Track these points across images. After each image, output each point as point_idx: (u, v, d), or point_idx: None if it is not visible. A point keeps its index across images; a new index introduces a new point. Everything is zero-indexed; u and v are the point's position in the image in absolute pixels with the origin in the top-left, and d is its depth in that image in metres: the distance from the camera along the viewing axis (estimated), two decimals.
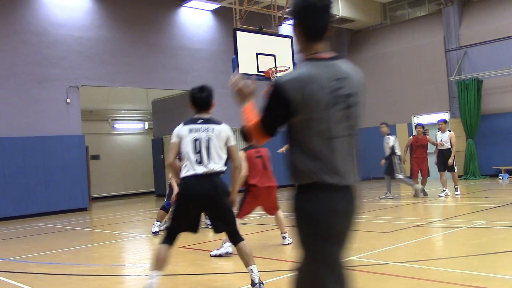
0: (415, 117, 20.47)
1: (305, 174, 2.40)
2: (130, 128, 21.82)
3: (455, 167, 13.16)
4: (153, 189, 20.59)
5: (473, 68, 18.65)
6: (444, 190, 12.68)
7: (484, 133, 18.32)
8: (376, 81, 21.56)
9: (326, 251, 2.43)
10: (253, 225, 9.60)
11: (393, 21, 21.97)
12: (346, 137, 2.43)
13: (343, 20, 20.79)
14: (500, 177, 17.31)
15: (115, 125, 21.29)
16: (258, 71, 13.24)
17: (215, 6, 17.87)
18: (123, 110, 21.44)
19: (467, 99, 18.26)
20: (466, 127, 18.36)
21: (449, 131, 13.10)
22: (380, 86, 21.37)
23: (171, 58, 17.09)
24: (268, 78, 13.44)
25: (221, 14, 18.15)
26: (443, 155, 12.84)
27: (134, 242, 8.83)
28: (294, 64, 14.18)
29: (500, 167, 17.80)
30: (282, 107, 2.38)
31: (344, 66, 2.51)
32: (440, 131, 13.09)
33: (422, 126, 13.50)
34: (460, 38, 19.18)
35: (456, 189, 12.88)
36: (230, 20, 14.74)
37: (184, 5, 17.64)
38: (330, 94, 2.37)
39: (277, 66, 13.52)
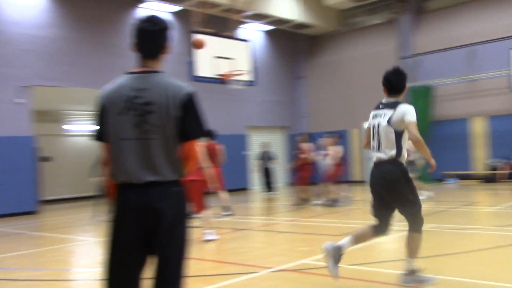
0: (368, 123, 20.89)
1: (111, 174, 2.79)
2: (84, 129, 21.37)
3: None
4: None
5: (424, 76, 19.23)
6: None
7: (434, 138, 18.89)
8: (332, 87, 21.95)
9: (114, 248, 2.75)
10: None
11: (350, 28, 22.39)
12: (138, 140, 2.70)
13: (301, 25, 21.04)
14: (448, 182, 17.89)
15: (69, 127, 20.81)
16: (216, 75, 13.23)
17: (173, 8, 17.75)
18: (77, 111, 20.97)
19: (419, 105, 18.78)
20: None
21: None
22: (336, 91, 21.76)
23: (128, 60, 16.77)
24: (226, 82, 13.45)
25: (179, 16, 18.04)
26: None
27: (84, 246, 8.66)
28: (252, 67, 14.24)
29: (448, 172, 18.41)
30: (98, 115, 2.83)
31: (156, 78, 2.78)
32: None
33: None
34: (413, 46, 19.75)
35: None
36: (188, 23, 14.69)
37: (141, 6, 17.45)
38: (126, 102, 2.73)
39: (235, 69, 13.55)
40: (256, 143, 20.13)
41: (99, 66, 16.18)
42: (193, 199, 7.62)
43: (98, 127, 2.84)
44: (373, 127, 4.86)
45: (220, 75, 13.31)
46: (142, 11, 17.50)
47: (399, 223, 9.29)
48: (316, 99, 22.52)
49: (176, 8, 17.68)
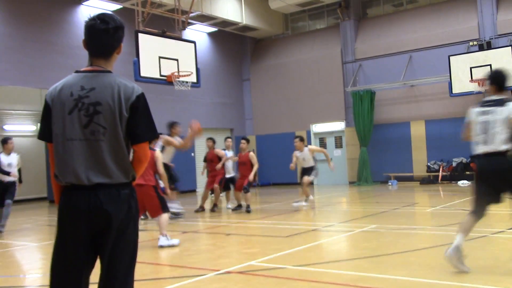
0: (313, 125, 21.23)
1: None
2: (22, 130, 20.53)
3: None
4: (45, 195, 19.48)
5: (367, 80, 19.73)
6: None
7: (376, 141, 19.42)
8: (277, 90, 22.13)
9: (58, 248, 2.71)
10: (152, 231, 9.41)
11: (294, 32, 22.68)
12: (86, 141, 2.64)
13: (246, 28, 21.11)
14: (390, 183, 18.42)
15: (5, 127, 19.94)
16: (161, 75, 13.03)
17: (116, 6, 17.37)
18: (14, 110, 20.13)
19: (361, 109, 19.27)
20: (360, 136, 19.35)
21: (306, 146, 12.39)
22: (281, 94, 21.96)
23: (69, 58, 16.33)
24: (171, 83, 13.27)
25: (123, 15, 17.67)
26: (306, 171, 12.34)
27: (24, 251, 8.29)
28: (197, 69, 14.12)
29: (390, 174, 18.95)
30: (44, 114, 2.75)
31: (104, 78, 2.72)
32: (297, 151, 12.38)
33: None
34: (355, 51, 20.22)
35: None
36: (132, 22, 14.37)
37: (83, 3, 16.96)
38: (74, 101, 2.66)
39: (180, 70, 13.40)
40: (202, 144, 20.00)
41: (38, 64, 15.60)
42: (147, 203, 7.52)
43: (43, 126, 2.76)
44: (483, 122, 5.15)
45: (165, 76, 13.13)
46: (84, 9, 17.03)
47: (341, 223, 9.47)
48: (261, 101, 22.64)
49: (119, 6, 17.32)
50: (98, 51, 2.79)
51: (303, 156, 12.27)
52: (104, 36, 2.75)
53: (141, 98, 2.70)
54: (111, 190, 2.64)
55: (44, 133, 2.76)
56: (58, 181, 2.70)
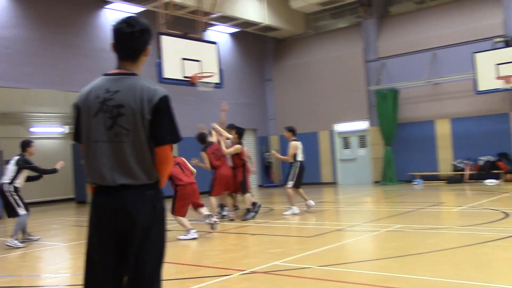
0: (336, 125, 21.12)
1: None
2: (48, 132, 20.90)
3: (290, 182, 11.40)
4: (72, 196, 19.78)
5: (390, 79, 19.54)
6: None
7: (400, 140, 19.22)
8: (299, 89, 22.07)
9: (89, 248, 2.76)
10: (178, 231, 9.48)
11: (316, 31, 22.59)
12: (110, 143, 2.68)
13: (268, 28, 21.11)
14: (415, 183, 18.21)
15: (32, 129, 20.31)
16: (184, 77, 13.13)
17: (139, 9, 17.55)
18: (41, 113, 20.50)
19: (385, 108, 19.09)
20: (384, 135, 19.18)
21: (294, 140, 11.39)
22: (303, 94, 21.89)
23: (93, 60, 16.57)
24: (194, 84, 13.35)
25: (146, 17, 17.61)
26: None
27: (52, 251, 8.44)
28: (219, 70, 14.18)
29: (415, 173, 18.74)
30: (74, 117, 2.85)
31: (129, 80, 2.76)
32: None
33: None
34: (378, 50, 20.05)
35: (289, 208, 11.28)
36: (154, 24, 14.53)
37: (106, 7, 17.18)
38: (99, 104, 2.72)
39: (202, 71, 13.47)
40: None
41: (63, 67, 15.85)
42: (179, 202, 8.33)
43: (74, 128, 2.86)
44: None
45: (188, 77, 13.22)
46: (108, 12, 17.25)
47: (366, 223, 9.40)
48: (283, 101, 22.61)
49: (142, 9, 17.49)
50: (125, 54, 2.84)
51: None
52: (130, 39, 2.80)
53: (164, 100, 2.71)
54: (135, 191, 2.67)
55: (76, 135, 2.85)
56: (89, 182, 2.77)
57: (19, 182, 9.03)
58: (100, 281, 2.70)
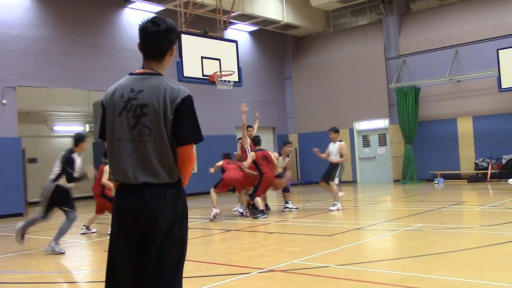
0: (356, 123, 20.99)
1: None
2: (70, 130, 21.18)
3: (336, 179, 11.42)
4: (92, 194, 20.00)
5: (411, 76, 19.35)
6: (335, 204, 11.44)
7: (421, 139, 19.02)
8: (318, 88, 21.99)
9: (111, 244, 2.81)
10: (196, 230, 9.54)
11: (336, 29, 22.47)
12: (133, 141, 2.72)
13: (288, 26, 21.07)
14: (436, 182, 18.01)
15: (54, 127, 20.61)
16: (203, 75, 13.17)
17: (159, 8, 17.67)
18: (63, 112, 20.79)
19: (406, 106, 18.91)
20: (405, 133, 19.01)
21: (340, 141, 11.68)
22: (323, 92, 21.80)
23: (114, 60, 16.75)
24: (213, 82, 13.39)
25: (166, 16, 17.92)
26: (329, 166, 11.63)
27: (74, 248, 8.55)
28: (239, 68, 14.19)
29: (436, 172, 18.53)
30: (101, 115, 2.90)
31: (153, 80, 2.78)
32: (332, 142, 11.74)
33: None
34: (399, 47, 19.86)
35: (334, 204, 11.43)
36: (175, 23, 14.61)
37: (127, 6, 17.34)
38: (123, 103, 2.76)
39: (222, 70, 13.50)
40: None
41: (85, 67, 16.05)
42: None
43: (100, 126, 2.92)
44: None
45: (208, 75, 13.26)
46: (129, 12, 17.40)
47: (386, 222, 9.33)
48: (303, 99, 22.55)
49: (162, 8, 17.61)
50: (150, 53, 2.86)
51: (332, 149, 11.60)
52: (156, 39, 2.82)
53: (187, 100, 2.73)
54: (157, 189, 2.70)
55: (101, 133, 2.91)
56: (113, 180, 2.83)
57: (64, 180, 7.82)
58: (122, 277, 2.74)
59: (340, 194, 11.79)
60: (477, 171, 17.77)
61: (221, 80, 13.43)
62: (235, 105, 20.54)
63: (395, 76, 19.63)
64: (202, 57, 13.18)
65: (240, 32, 20.92)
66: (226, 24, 14.99)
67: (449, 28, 18.77)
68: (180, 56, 12.75)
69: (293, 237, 8.41)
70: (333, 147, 11.58)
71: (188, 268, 6.02)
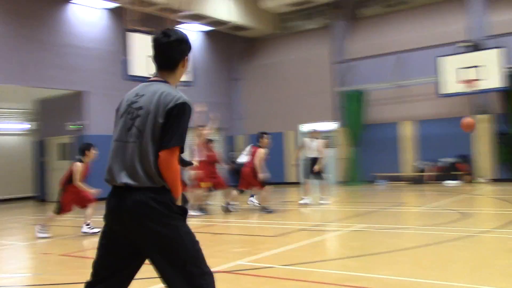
0: (303, 126, 21.28)
1: None
2: (11, 128, 20.39)
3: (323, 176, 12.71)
4: (31, 194, 19.32)
5: (357, 81, 19.82)
6: (303, 198, 12.60)
7: (366, 142, 19.51)
8: (268, 89, 22.16)
9: (100, 236, 2.90)
10: None
11: (286, 32, 22.71)
12: (125, 143, 2.76)
13: (238, 27, 21.12)
14: (378, 183, 18.53)
15: None
16: (150, 74, 13.02)
17: (106, 4, 17.30)
18: (3, 109, 19.98)
19: (351, 109, 19.36)
20: (350, 136, 19.45)
21: (319, 139, 12.94)
22: (272, 94, 21.99)
23: (58, 56, 16.26)
24: None
25: (113, 13, 17.62)
26: (312, 163, 12.60)
27: (10, 250, 8.25)
28: (190, 68, 14.11)
29: (379, 174, 19.06)
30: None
31: (155, 86, 2.84)
32: (308, 139, 12.91)
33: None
34: (346, 52, 20.31)
35: (322, 199, 12.62)
36: (123, 21, 14.35)
37: (72, 1, 16.86)
38: (126, 106, 2.85)
39: None
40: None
41: (27, 63, 15.48)
42: None
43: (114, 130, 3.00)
44: None
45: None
46: (74, 7, 16.94)
47: (330, 223, 9.52)
48: (252, 101, 22.65)
49: (111, 5, 17.25)
50: (162, 63, 2.92)
51: (311, 145, 12.76)
52: (168, 49, 2.88)
53: (179, 107, 2.71)
54: (138, 193, 2.69)
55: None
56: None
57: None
58: (99, 266, 2.87)
59: (307, 200, 12.52)
60: (416, 174, 18.41)
61: None
62: None
63: (341, 80, 20.05)
64: (149, 56, 13.02)
65: (190, 32, 20.79)
66: (176, 24, 14.89)
67: (393, 34, 19.37)
68: (127, 54, 12.56)
69: (239, 238, 8.45)
70: (312, 144, 12.67)
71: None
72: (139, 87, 2.92)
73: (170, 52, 2.88)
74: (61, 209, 8.86)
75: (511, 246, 6.47)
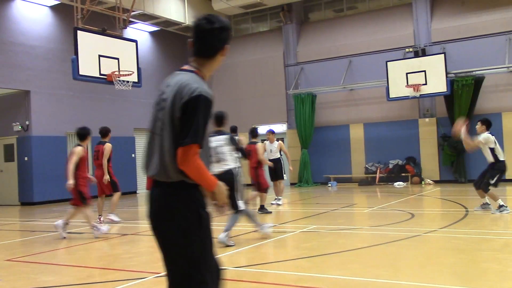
0: (256, 127, 21.31)
1: None
2: None
3: (284, 176, 13.19)
4: None
5: (308, 83, 20.06)
6: (278, 198, 12.92)
7: (317, 143, 19.77)
8: (220, 90, 22.08)
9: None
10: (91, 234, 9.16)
11: (238, 34, 22.74)
12: (156, 135, 2.72)
13: (189, 28, 20.93)
14: (330, 185, 18.80)
15: None
16: (100, 74, 12.74)
17: (54, 2, 16.80)
18: None
19: (303, 111, 19.57)
20: (301, 138, 19.65)
21: (277, 140, 13.22)
22: (224, 95, 21.93)
23: (2, 54, 15.65)
24: (111, 82, 12.99)
25: (61, 11, 17.13)
26: (274, 164, 12.70)
27: None
28: (138, 68, 13.89)
29: (330, 175, 19.35)
30: None
31: (180, 76, 2.76)
32: (268, 141, 13.11)
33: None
34: (297, 55, 20.52)
35: (278, 199, 12.86)
36: (70, 18, 13.95)
37: None
38: (158, 96, 2.80)
39: (120, 70, 13.14)
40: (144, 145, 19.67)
41: None
42: None
43: None
44: None
45: (105, 75, 12.84)
46: (20, 4, 16.37)
47: (282, 224, 9.57)
48: None
49: (57, 2, 16.76)
50: (199, 50, 2.82)
51: (271, 147, 12.95)
52: (209, 36, 2.78)
53: (195, 100, 2.60)
54: (161, 187, 2.69)
55: None
56: None
57: None
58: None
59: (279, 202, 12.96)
60: (367, 175, 18.80)
61: (119, 80, 13.06)
62: (134, 105, 20.06)
63: (293, 83, 20.24)
64: (99, 56, 12.76)
65: (141, 32, 20.49)
66: (126, 23, 14.63)
67: (343, 38, 19.72)
68: (76, 53, 12.24)
69: None
70: (272, 146, 12.95)
71: (80, 275, 5.78)
72: (170, 76, 2.83)
73: (211, 39, 2.79)
74: (86, 198, 8.61)
75: (456, 244, 6.69)
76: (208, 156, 2.76)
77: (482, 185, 9.29)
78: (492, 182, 9.15)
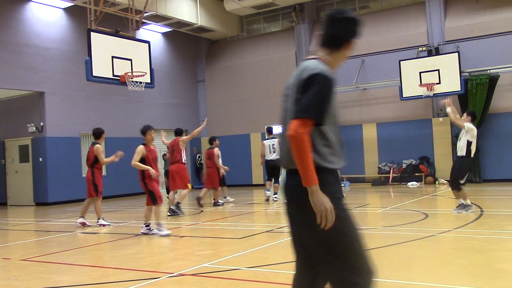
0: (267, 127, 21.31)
1: None
2: None
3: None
4: None
5: None
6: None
7: None
8: (231, 91, 22.15)
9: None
10: (105, 235, 9.23)
11: (250, 34, 22.76)
12: (285, 125, 2.70)
13: (201, 29, 21.03)
14: (342, 185, 18.70)
15: None
16: (114, 75, 12.82)
17: (67, 4, 16.95)
18: None
19: None
20: None
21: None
22: (236, 96, 21.99)
23: (17, 56, 15.83)
24: (124, 83, 13.07)
25: (75, 13, 17.28)
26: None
27: None
28: (151, 69, 13.95)
29: (343, 175, 19.26)
30: None
31: (303, 63, 2.74)
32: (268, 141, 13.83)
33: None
34: (309, 55, 20.44)
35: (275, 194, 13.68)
36: (84, 20, 14.06)
37: (32, 0, 16.46)
38: (285, 88, 2.81)
39: (133, 70, 13.21)
40: (157, 146, 19.73)
41: None
42: None
43: None
44: None
45: (118, 76, 12.92)
46: (34, 6, 16.54)
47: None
48: (216, 103, 22.59)
49: (71, 4, 16.91)
50: (327, 40, 2.78)
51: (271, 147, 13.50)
52: (338, 25, 2.75)
53: (313, 77, 2.56)
54: (288, 176, 2.72)
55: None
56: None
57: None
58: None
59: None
60: (380, 175, 18.70)
61: (132, 81, 13.14)
62: (147, 106, 20.17)
63: None
64: (112, 57, 12.84)
65: (153, 33, 20.59)
66: (139, 24, 14.70)
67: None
68: (89, 54, 12.34)
69: (204, 240, 8.38)
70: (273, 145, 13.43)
71: (93, 275, 5.82)
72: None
73: (340, 28, 2.76)
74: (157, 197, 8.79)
75: (471, 244, 6.63)
76: (329, 143, 2.71)
77: (456, 186, 9.32)
78: (462, 182, 9.22)
